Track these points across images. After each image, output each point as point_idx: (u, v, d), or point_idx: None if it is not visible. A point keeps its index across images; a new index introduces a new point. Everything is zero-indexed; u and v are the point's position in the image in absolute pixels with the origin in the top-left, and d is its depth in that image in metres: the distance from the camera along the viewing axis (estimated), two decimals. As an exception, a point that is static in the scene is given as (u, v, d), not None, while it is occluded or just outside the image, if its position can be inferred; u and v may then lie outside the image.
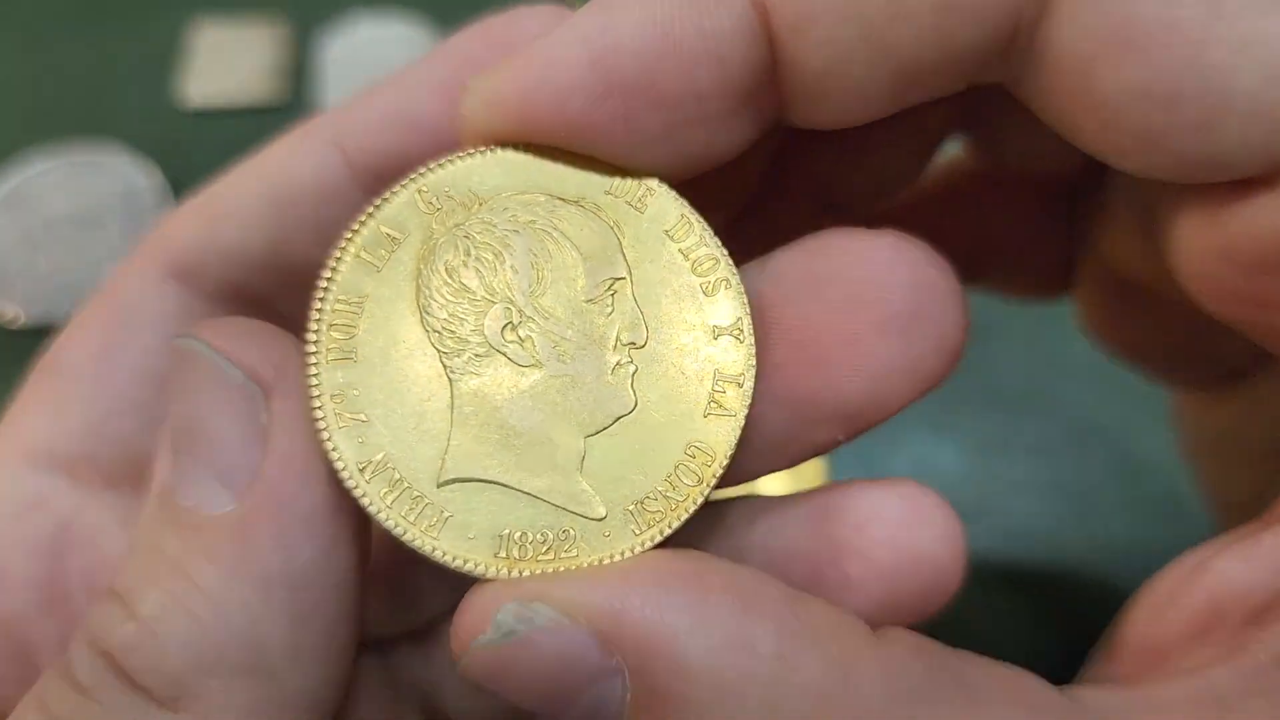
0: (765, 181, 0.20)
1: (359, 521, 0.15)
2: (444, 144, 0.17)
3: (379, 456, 0.15)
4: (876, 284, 0.15)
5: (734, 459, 0.15)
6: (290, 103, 0.45)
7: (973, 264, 0.26)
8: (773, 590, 0.14)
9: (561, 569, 0.15)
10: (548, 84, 0.15)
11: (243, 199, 0.18)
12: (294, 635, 0.15)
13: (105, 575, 0.18)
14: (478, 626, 0.14)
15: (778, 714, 0.13)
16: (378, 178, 0.18)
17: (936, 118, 0.21)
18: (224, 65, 0.46)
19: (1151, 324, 0.24)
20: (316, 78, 0.46)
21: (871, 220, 0.16)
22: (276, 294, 0.19)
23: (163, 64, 0.46)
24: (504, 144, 0.16)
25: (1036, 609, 0.32)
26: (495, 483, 0.15)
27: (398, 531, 0.15)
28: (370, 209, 0.16)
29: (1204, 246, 0.15)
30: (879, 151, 0.20)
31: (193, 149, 0.44)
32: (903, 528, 0.16)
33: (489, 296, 0.15)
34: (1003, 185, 0.24)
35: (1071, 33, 0.14)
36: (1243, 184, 0.14)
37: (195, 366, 0.15)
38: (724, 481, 0.15)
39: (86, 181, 0.42)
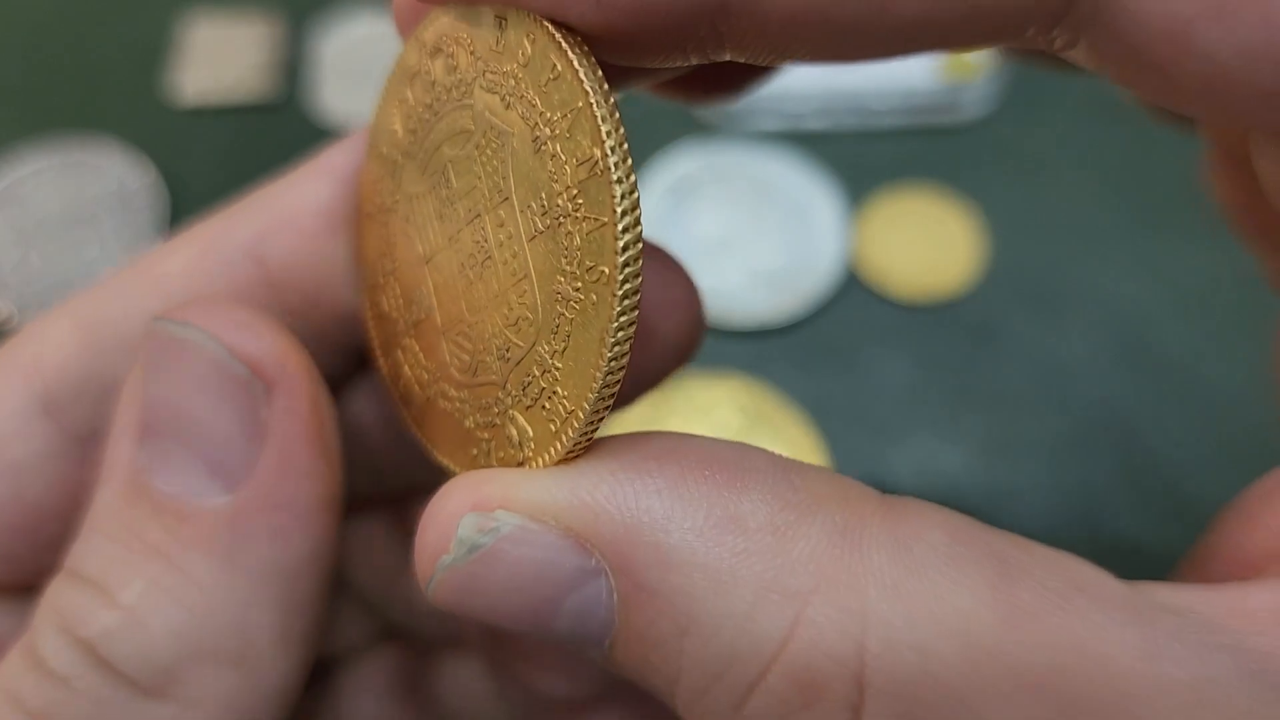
0: None
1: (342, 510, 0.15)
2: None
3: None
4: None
5: None
6: (285, 100, 0.45)
7: None
8: (761, 460, 0.13)
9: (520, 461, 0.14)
10: None
11: (129, 318, 0.16)
12: (283, 625, 0.14)
13: None
14: (439, 547, 0.13)
15: (776, 592, 0.12)
16: (291, 289, 0.17)
17: None
18: (218, 61, 0.45)
19: None
20: (312, 74, 0.45)
21: None
22: None
23: (155, 59, 0.46)
24: None
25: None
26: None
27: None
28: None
29: None
30: None
31: (186, 146, 0.43)
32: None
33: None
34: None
35: None
36: None
37: (189, 354, 0.14)
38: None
39: (79, 180, 0.42)
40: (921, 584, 0.12)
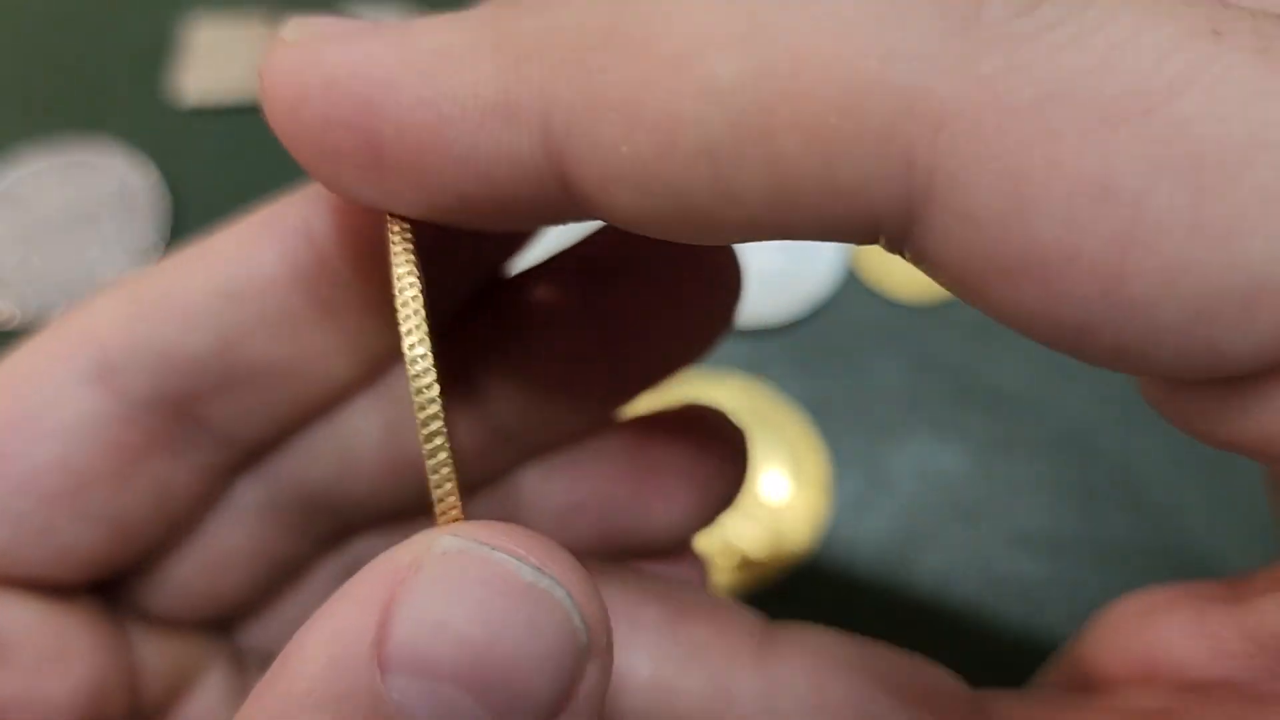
0: None
1: None
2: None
3: None
4: (681, 461, 0.18)
5: None
6: (287, 100, 0.45)
7: None
8: (652, 612, 0.14)
9: None
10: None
11: (189, 290, 0.16)
12: None
13: None
14: None
15: None
16: (348, 261, 0.16)
17: None
18: (219, 61, 0.45)
19: None
20: (313, 75, 0.45)
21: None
22: (208, 396, 0.17)
23: (157, 59, 0.46)
24: None
25: (1037, 611, 0.32)
26: None
27: None
28: None
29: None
30: None
31: (188, 146, 0.43)
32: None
33: None
34: None
35: (950, 247, 0.11)
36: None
37: (540, 607, 0.12)
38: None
39: (81, 180, 0.42)
40: None
